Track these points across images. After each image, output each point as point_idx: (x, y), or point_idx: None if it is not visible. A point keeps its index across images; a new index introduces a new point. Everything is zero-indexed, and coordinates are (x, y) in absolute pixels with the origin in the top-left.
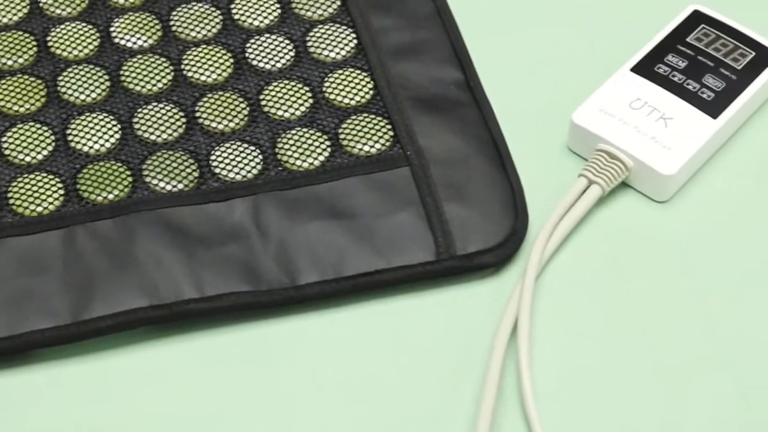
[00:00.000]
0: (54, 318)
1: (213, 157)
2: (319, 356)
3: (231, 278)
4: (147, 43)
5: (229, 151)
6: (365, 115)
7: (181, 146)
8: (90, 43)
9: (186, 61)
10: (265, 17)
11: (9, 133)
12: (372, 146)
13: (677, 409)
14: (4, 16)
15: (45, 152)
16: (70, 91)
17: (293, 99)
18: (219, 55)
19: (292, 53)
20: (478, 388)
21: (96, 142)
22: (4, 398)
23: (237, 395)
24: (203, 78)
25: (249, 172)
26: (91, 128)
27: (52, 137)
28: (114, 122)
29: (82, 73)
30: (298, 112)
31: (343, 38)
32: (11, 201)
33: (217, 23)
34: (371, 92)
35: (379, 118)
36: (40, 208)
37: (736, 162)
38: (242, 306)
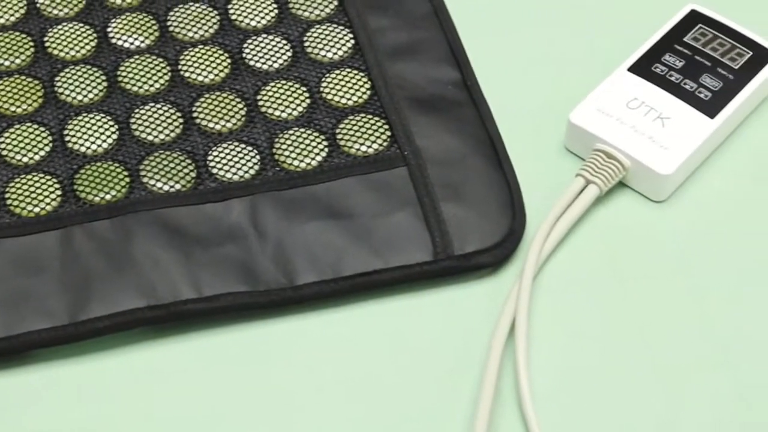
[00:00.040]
0: (51, 318)
1: (210, 158)
2: (317, 356)
3: (229, 278)
4: (144, 43)
5: (227, 151)
6: (362, 115)
7: (179, 146)
8: (87, 44)
9: (183, 62)
10: (262, 17)
11: (6, 134)
12: (369, 146)
13: (675, 409)
14: (0, 17)
15: (42, 153)
16: (67, 92)
17: (290, 99)
18: (216, 55)
19: (289, 53)
20: (476, 387)
21: (93, 143)
22: (2, 399)
23: (235, 395)
24: (200, 78)
25: (246, 172)
26: (89, 129)
27: (50, 138)
28: (111, 123)
29: (79, 73)
30: (295, 113)
31: (341, 38)
32: (8, 201)
33: (214, 23)
34: (368, 92)
35: (377, 118)
36: (37, 209)
37: (733, 162)
38: (240, 306)
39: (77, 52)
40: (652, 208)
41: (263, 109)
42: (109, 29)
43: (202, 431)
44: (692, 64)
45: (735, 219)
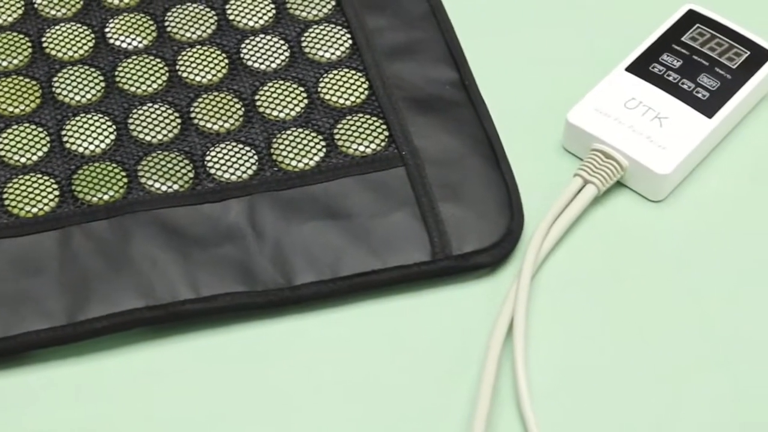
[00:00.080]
0: (50, 319)
1: (208, 158)
2: (316, 356)
3: (227, 279)
4: (142, 43)
5: (225, 151)
6: (360, 115)
7: (176, 147)
8: (85, 44)
9: (181, 62)
10: (260, 18)
11: (4, 134)
12: (367, 146)
13: (673, 409)
14: None
15: (40, 153)
16: (65, 92)
17: (288, 99)
18: (214, 55)
19: (287, 53)
20: (474, 387)
21: (91, 143)
22: (0, 399)
23: (233, 396)
24: (198, 78)
25: (244, 172)
26: (86, 129)
27: (47, 138)
28: (109, 123)
29: (77, 73)
30: (293, 113)
31: (338, 38)
32: (6, 202)
33: (212, 24)
34: (366, 92)
35: (374, 119)
36: (35, 209)
37: (731, 161)
38: (238, 306)
39: (75, 52)
40: (650, 207)
41: (261, 110)
42: (106, 29)
43: (201, 431)
44: (690, 64)
45: (733, 219)
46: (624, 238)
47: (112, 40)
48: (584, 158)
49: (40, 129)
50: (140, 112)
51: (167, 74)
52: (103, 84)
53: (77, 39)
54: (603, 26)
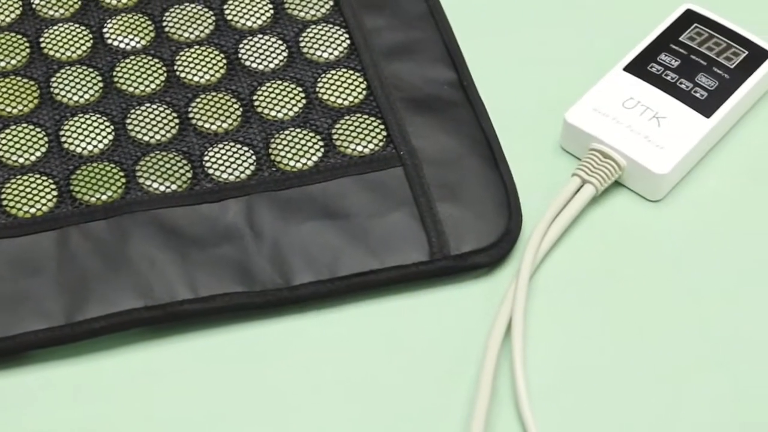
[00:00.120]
0: (48, 319)
1: (206, 158)
2: (314, 356)
3: (225, 279)
4: (140, 44)
5: (223, 151)
6: (358, 115)
7: (175, 147)
8: (83, 44)
9: (179, 62)
10: (258, 18)
11: (2, 135)
12: (365, 146)
13: (672, 409)
14: None
15: (38, 153)
16: (63, 92)
17: (286, 99)
18: (212, 55)
19: (285, 54)
20: (472, 387)
21: (89, 143)
22: None
23: (232, 396)
24: (196, 79)
25: (242, 172)
26: (84, 129)
27: (45, 138)
28: (107, 123)
29: (75, 74)
30: (291, 113)
31: (336, 38)
32: (4, 202)
33: (210, 24)
34: (364, 92)
35: (372, 119)
36: (33, 210)
37: (729, 161)
38: (236, 307)
39: (73, 52)
40: (648, 207)
41: (259, 110)
42: (104, 30)
43: (199, 431)
44: (688, 64)
45: (731, 218)
46: (622, 238)
47: (110, 41)
48: (582, 158)
49: (38, 129)
50: (138, 112)
51: (165, 74)
52: (101, 84)
53: (75, 39)
54: (601, 26)
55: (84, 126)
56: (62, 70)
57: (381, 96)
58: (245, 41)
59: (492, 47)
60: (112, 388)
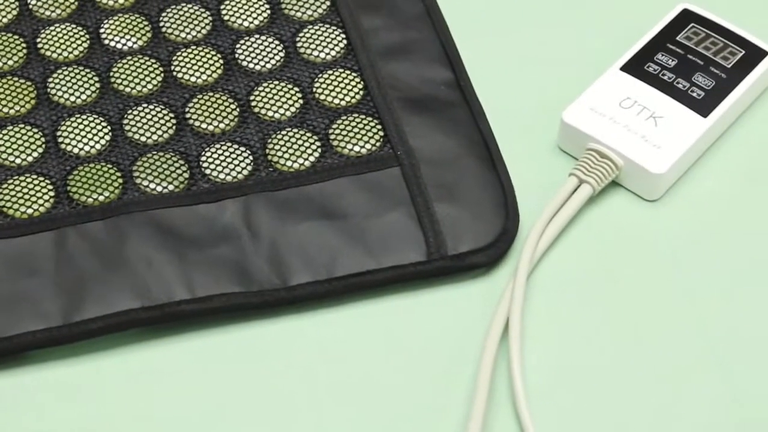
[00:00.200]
0: (45, 320)
1: (203, 158)
2: (311, 356)
3: (222, 279)
4: (137, 44)
5: (220, 152)
6: (355, 115)
7: (172, 147)
8: (80, 45)
9: (176, 62)
10: (255, 18)
11: None
12: (362, 147)
13: (669, 408)
14: None
15: (35, 154)
16: (60, 93)
17: (283, 100)
18: (209, 56)
19: (281, 54)
20: (470, 387)
21: (86, 144)
22: None
23: (229, 396)
24: (193, 79)
25: (239, 173)
26: (81, 130)
27: (42, 139)
28: (104, 124)
29: (72, 74)
30: (288, 113)
31: (333, 39)
32: (1, 203)
33: (207, 24)
34: (361, 92)
35: (370, 119)
36: (30, 210)
37: (726, 161)
38: (234, 307)
39: (70, 53)
40: (645, 207)
41: (256, 110)
42: (101, 30)
43: (197, 431)
44: (685, 63)
45: (728, 218)
46: (619, 238)
47: (107, 41)
48: (579, 158)
49: (35, 130)
50: (135, 112)
51: (162, 75)
52: (98, 85)
53: (72, 40)
54: (598, 26)
55: (81, 126)
56: (59, 71)
57: (378, 96)
58: (242, 41)
59: (489, 47)
60: (110, 389)
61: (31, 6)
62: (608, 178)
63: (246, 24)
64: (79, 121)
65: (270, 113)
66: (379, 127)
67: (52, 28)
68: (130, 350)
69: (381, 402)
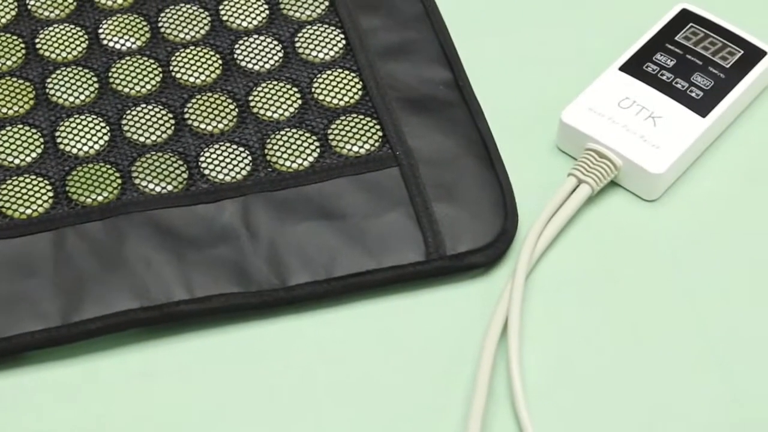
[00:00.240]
0: (44, 320)
1: (202, 159)
2: (310, 357)
3: (221, 279)
4: (135, 44)
5: (219, 152)
6: (354, 115)
7: (170, 148)
8: (78, 45)
9: (174, 63)
10: (254, 18)
11: None
12: (361, 147)
13: (668, 408)
14: None
15: (34, 154)
16: (58, 93)
17: (282, 100)
18: (207, 56)
19: (280, 54)
20: (469, 387)
21: (85, 144)
22: None
23: (228, 396)
24: (192, 79)
25: (238, 173)
26: (80, 130)
27: (41, 139)
28: (103, 124)
29: (70, 75)
30: (287, 113)
31: (332, 39)
32: (0, 203)
33: (206, 24)
34: (360, 93)
35: (368, 119)
36: (29, 211)
37: (725, 161)
38: (232, 307)
39: (68, 53)
40: (644, 207)
41: (255, 110)
42: (100, 31)
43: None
44: (684, 63)
45: (727, 218)
46: (618, 238)
47: (105, 41)
48: (578, 158)
49: (33, 130)
50: (134, 113)
51: (161, 75)
52: (96, 85)
53: (71, 40)
54: (597, 26)
55: (80, 127)
56: (58, 71)
57: (377, 96)
58: (241, 42)
59: (487, 47)
60: (109, 389)
61: (29, 6)
62: (607, 178)
63: (245, 24)
64: (78, 121)
65: (269, 113)
66: (377, 127)
67: (50, 28)
68: (129, 350)
69: (380, 402)
